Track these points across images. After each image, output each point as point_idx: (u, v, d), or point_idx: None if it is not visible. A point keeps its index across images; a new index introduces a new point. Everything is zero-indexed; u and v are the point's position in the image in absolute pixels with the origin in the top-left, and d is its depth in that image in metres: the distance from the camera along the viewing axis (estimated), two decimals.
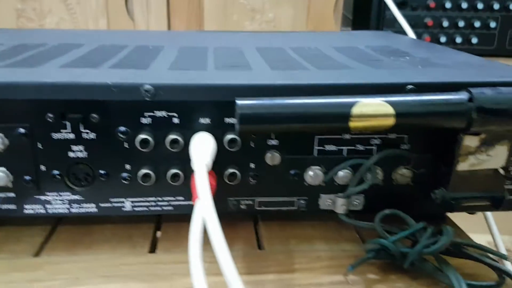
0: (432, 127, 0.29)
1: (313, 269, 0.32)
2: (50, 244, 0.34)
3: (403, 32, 0.64)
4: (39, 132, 0.30)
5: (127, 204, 0.33)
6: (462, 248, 0.31)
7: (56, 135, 0.31)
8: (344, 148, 0.33)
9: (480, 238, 0.39)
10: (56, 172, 0.31)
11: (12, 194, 0.32)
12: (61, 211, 0.33)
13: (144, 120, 0.31)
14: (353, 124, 0.28)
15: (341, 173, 0.32)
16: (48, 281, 0.30)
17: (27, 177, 0.31)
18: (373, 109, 0.28)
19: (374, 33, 0.67)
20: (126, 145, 0.31)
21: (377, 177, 0.33)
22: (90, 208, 0.33)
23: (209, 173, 0.30)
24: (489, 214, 0.48)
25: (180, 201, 0.33)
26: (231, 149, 0.31)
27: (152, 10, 0.88)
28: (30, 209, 0.32)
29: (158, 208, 0.33)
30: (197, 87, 0.30)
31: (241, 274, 0.31)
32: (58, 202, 0.32)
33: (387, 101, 0.28)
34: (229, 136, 0.31)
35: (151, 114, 0.30)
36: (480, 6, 0.92)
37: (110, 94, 0.30)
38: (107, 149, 0.31)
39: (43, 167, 0.31)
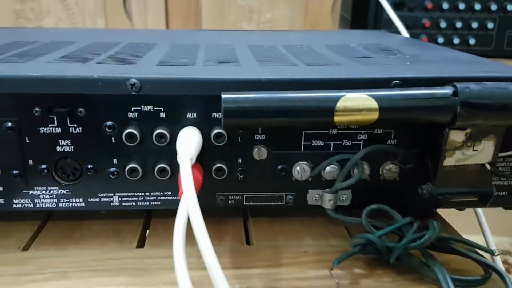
0: (417, 122, 0.29)
1: (300, 263, 0.32)
2: (39, 238, 0.34)
3: (400, 32, 0.64)
4: (27, 126, 0.31)
5: (115, 199, 0.33)
6: (449, 243, 0.31)
7: (43, 129, 0.31)
8: (331, 143, 0.33)
9: (478, 240, 0.38)
10: (43, 166, 0.32)
11: (0, 188, 0.32)
12: (49, 205, 0.33)
13: (130, 115, 0.31)
14: (337, 118, 0.28)
15: (328, 168, 0.32)
16: (36, 274, 0.30)
17: (15, 172, 0.32)
18: (357, 103, 0.28)
19: (368, 32, 0.67)
20: (113, 139, 0.31)
21: (364, 172, 0.33)
22: (78, 202, 0.33)
23: (195, 167, 0.30)
24: (480, 212, 0.47)
25: (168, 196, 0.33)
26: (218, 144, 0.31)
27: (150, 11, 0.88)
28: (18, 203, 0.33)
29: (146, 203, 0.33)
30: (183, 81, 0.30)
31: (228, 268, 0.31)
32: (46, 197, 0.33)
33: (371, 96, 0.28)
34: (216, 131, 0.31)
35: (138, 108, 0.31)
36: (477, 7, 0.92)
37: (97, 88, 0.30)
38: (94, 143, 0.31)
39: (30, 162, 0.31)
